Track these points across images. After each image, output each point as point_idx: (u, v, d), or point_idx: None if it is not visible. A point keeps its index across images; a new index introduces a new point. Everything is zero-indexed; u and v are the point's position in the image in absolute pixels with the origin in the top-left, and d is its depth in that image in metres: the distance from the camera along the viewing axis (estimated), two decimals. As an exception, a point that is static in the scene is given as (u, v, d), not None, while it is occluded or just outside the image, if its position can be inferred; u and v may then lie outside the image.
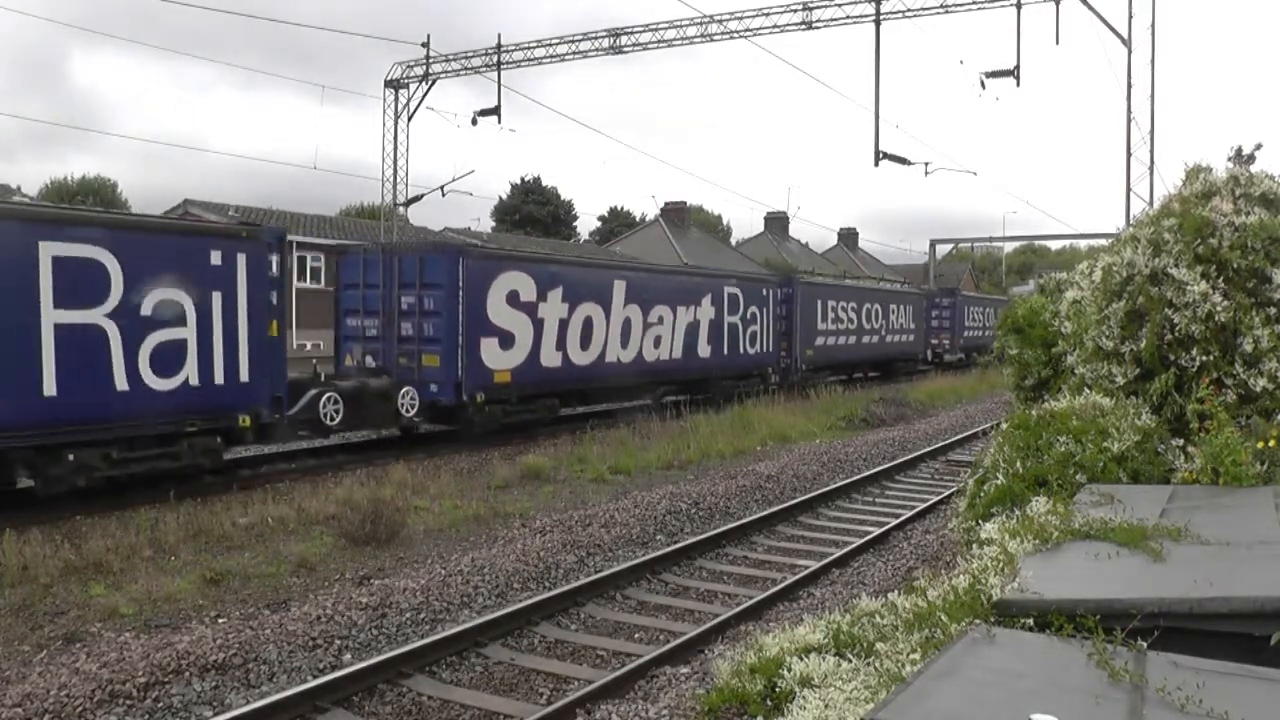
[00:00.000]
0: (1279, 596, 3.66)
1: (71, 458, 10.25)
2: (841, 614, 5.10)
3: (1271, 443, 6.21)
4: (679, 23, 26.00)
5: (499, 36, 32.31)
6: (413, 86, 29.61)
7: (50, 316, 9.87)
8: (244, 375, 11.72)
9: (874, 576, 8.97)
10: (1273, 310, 7.08)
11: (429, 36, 29.21)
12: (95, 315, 10.28)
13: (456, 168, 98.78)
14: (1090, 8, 22.21)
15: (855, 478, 13.72)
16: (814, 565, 9.19)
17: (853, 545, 9.99)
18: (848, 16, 23.93)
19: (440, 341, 15.24)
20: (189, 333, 11.17)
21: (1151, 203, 20.99)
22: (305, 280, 30.85)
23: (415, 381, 15.07)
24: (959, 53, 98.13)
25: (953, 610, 4.03)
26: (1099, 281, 8.11)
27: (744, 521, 10.78)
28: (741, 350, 23.37)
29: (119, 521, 9.86)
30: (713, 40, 25.86)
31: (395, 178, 30.00)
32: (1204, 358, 7.07)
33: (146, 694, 5.83)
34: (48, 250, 9.83)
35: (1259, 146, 9.39)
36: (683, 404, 20.71)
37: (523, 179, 62.66)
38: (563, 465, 14.08)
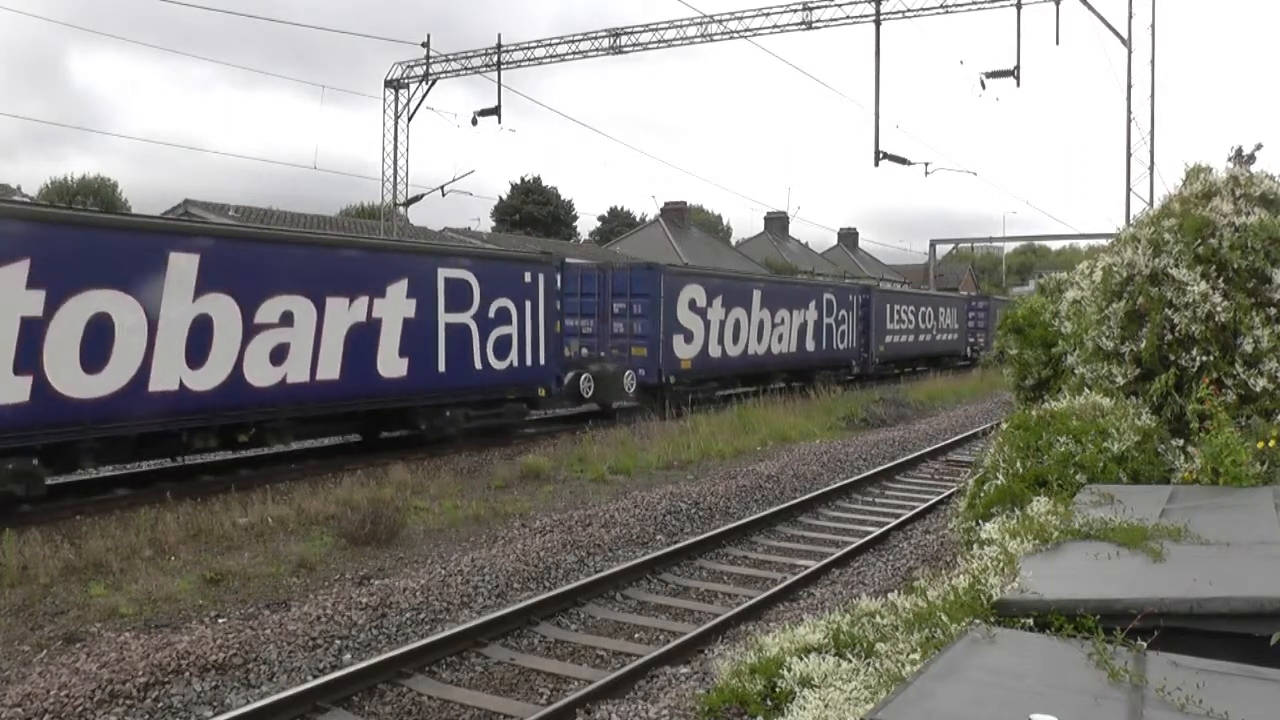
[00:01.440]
0: (1279, 597, 3.66)
1: (448, 414, 14.75)
2: (841, 614, 5.09)
3: (1271, 443, 6.21)
4: (679, 23, 26.00)
5: (499, 36, 32.34)
6: (413, 86, 29.62)
7: (442, 318, 14.34)
8: (542, 360, 16.46)
9: (874, 576, 8.96)
10: (1273, 310, 7.08)
11: (429, 36, 29.22)
12: (465, 317, 14.81)
13: (456, 168, 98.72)
14: (1090, 8, 22.22)
15: (855, 478, 13.72)
16: (814, 565, 9.18)
17: (853, 545, 9.98)
18: (848, 16, 23.92)
19: (646, 337, 20.09)
20: (513, 329, 15.78)
21: (1151, 203, 20.98)
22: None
23: (629, 367, 19.47)
24: (959, 53, 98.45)
25: (953, 610, 4.03)
26: (1099, 282, 8.10)
27: (744, 521, 10.77)
28: (834, 346, 27.98)
29: (119, 521, 9.85)
30: (713, 40, 25.87)
31: (395, 178, 30.02)
32: (1204, 358, 7.07)
33: (146, 694, 5.83)
34: (441, 274, 14.43)
35: (1259, 146, 9.37)
36: (751, 393, 23.73)
37: (523, 179, 62.59)
38: (563, 465, 14.08)
